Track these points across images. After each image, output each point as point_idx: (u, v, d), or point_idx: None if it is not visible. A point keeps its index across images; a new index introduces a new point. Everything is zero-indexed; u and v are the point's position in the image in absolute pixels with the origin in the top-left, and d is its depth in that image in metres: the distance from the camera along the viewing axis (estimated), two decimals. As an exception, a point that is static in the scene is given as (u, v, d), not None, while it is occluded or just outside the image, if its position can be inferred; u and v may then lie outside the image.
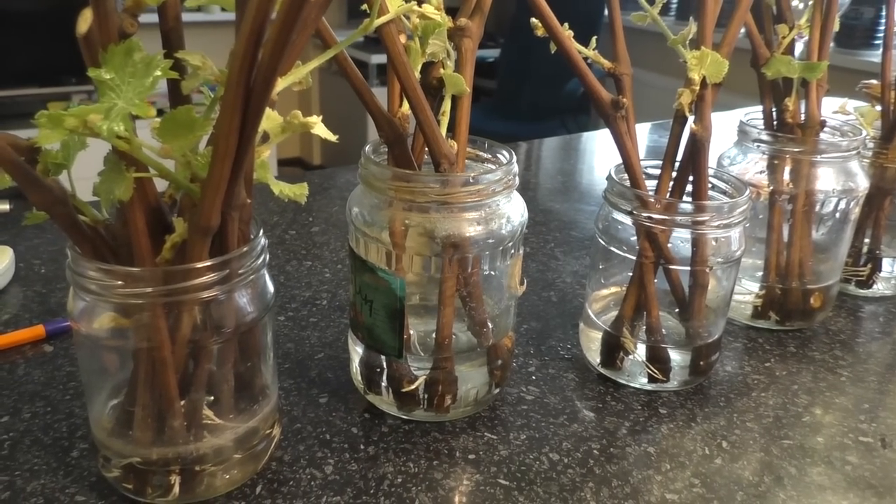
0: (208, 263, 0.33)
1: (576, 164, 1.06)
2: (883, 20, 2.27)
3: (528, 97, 2.87)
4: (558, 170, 1.02)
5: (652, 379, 0.49)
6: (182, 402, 0.36)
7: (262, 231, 0.36)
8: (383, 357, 0.44)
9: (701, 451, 0.44)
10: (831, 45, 0.57)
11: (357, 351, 0.46)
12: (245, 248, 0.35)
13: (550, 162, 1.06)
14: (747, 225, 0.47)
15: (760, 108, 0.58)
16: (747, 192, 0.46)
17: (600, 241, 0.50)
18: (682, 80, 0.47)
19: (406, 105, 0.43)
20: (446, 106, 0.43)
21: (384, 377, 0.45)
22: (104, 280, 0.32)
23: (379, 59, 2.93)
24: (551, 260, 0.69)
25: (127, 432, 0.36)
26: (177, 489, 0.37)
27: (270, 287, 0.38)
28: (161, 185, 0.34)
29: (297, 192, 0.35)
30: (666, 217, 0.45)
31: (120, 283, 0.32)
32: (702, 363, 0.49)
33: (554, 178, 0.97)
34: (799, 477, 0.42)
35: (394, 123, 0.42)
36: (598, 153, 1.11)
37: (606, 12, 0.49)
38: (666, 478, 0.41)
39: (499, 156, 0.45)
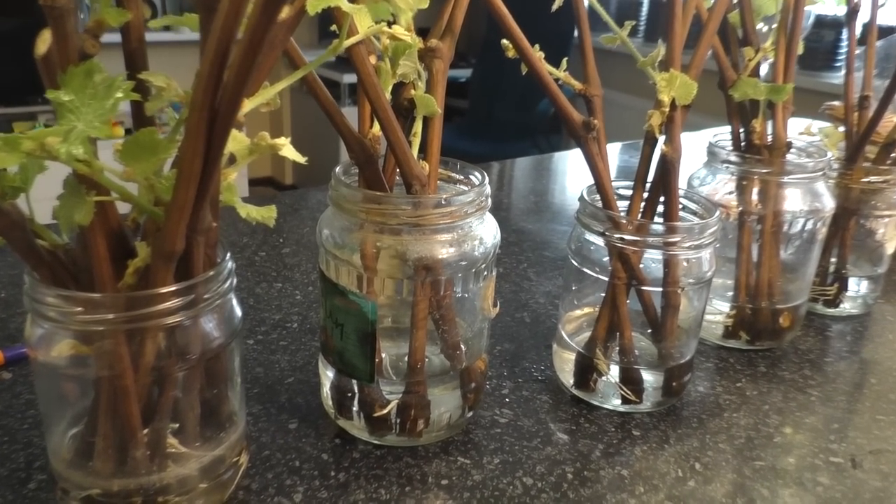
0: (172, 289, 0.32)
1: (548, 184, 1.06)
2: (843, 43, 2.34)
3: (500, 117, 2.90)
4: (531, 189, 1.02)
5: (625, 400, 0.49)
6: (145, 431, 0.35)
7: (229, 255, 0.36)
8: (354, 381, 0.44)
9: (674, 472, 0.43)
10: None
11: (328, 375, 0.45)
12: (211, 273, 0.34)
13: (523, 182, 1.07)
14: (717, 245, 0.48)
15: (728, 128, 0.59)
16: (717, 212, 0.47)
17: (573, 262, 0.50)
18: (652, 100, 0.47)
19: (377, 126, 0.42)
20: (417, 127, 0.43)
21: (355, 402, 0.44)
22: (63, 307, 0.31)
23: (350, 78, 2.93)
24: (524, 280, 0.68)
25: (87, 463, 0.35)
26: (139, 522, 0.35)
27: (238, 311, 0.37)
28: (124, 208, 0.33)
29: (265, 214, 0.34)
30: (638, 238, 0.45)
31: (80, 309, 0.31)
32: (674, 384, 0.49)
33: (526, 198, 0.97)
34: (771, 499, 0.42)
35: (364, 145, 0.42)
36: (571, 173, 1.11)
37: (577, 34, 0.50)
38: (640, 501, 0.41)
39: (471, 177, 0.45)
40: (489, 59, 2.90)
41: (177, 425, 0.36)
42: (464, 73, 3.09)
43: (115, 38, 0.33)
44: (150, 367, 0.33)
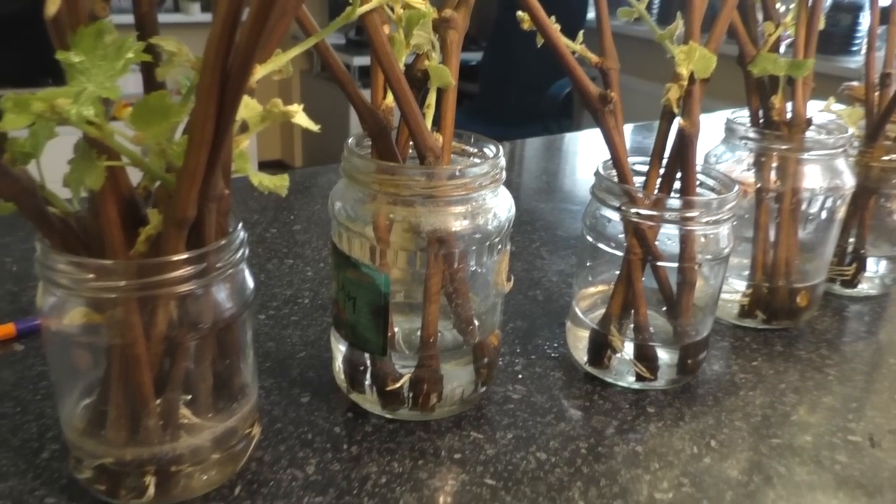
0: (184, 256, 0.32)
1: (559, 164, 1.05)
2: (860, 27, 2.30)
3: (510, 100, 2.88)
4: (542, 169, 1.02)
5: (639, 378, 0.48)
6: (158, 402, 0.34)
7: (241, 224, 0.35)
8: (367, 355, 0.43)
9: (689, 450, 0.43)
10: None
11: (340, 349, 0.45)
12: (223, 241, 0.33)
13: (534, 162, 1.06)
14: (735, 222, 0.47)
15: (743, 109, 0.58)
16: (736, 188, 0.46)
17: (587, 237, 0.49)
18: (663, 84, 0.46)
19: (390, 97, 0.42)
20: (431, 99, 0.42)
21: (368, 375, 0.44)
22: (75, 273, 0.31)
23: (361, 61, 2.91)
24: (537, 259, 0.68)
25: (99, 432, 0.35)
26: (152, 491, 0.35)
27: (250, 282, 0.37)
28: (135, 176, 0.33)
29: (278, 183, 0.34)
30: (654, 213, 0.45)
31: (91, 276, 0.31)
32: (689, 362, 0.48)
33: (538, 178, 0.96)
34: (788, 476, 0.41)
35: (377, 116, 0.41)
36: (581, 154, 1.10)
37: (592, 10, 0.49)
38: (654, 477, 0.41)
39: (485, 150, 0.45)
40: (500, 42, 2.88)
41: (189, 396, 0.36)
42: (474, 57, 3.07)
43: (126, 18, 0.32)
44: (162, 336, 0.33)
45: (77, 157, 0.29)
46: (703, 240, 0.46)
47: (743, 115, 0.58)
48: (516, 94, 2.85)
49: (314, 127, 0.34)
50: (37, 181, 0.31)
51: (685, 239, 0.46)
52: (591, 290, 0.52)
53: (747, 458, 0.42)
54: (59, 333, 0.34)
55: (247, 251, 0.35)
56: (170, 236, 0.31)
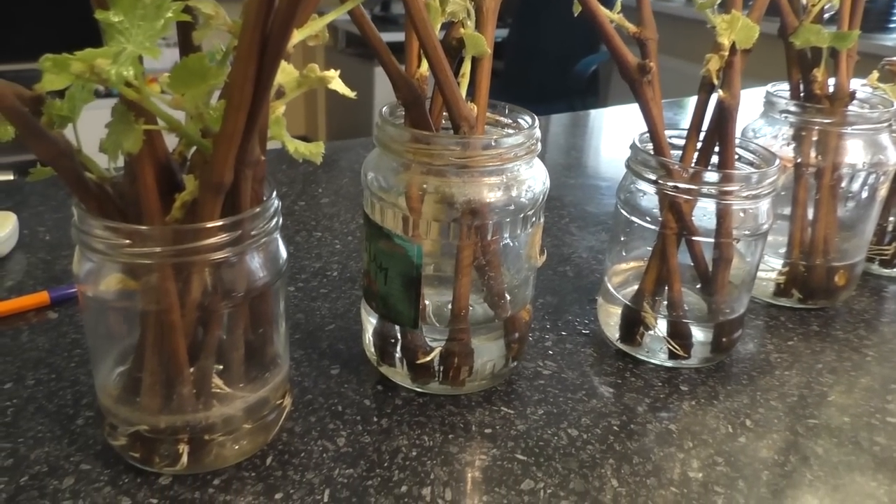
0: (220, 223, 0.31)
1: (588, 140, 1.04)
2: (898, 3, 2.22)
3: (535, 78, 2.84)
4: (570, 145, 1.00)
5: (672, 355, 0.47)
6: (191, 370, 0.34)
7: (275, 192, 0.35)
8: (397, 327, 0.43)
9: (724, 429, 0.42)
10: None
11: (370, 321, 0.45)
12: (258, 209, 0.33)
13: (562, 138, 1.04)
14: (775, 196, 0.46)
15: (782, 83, 0.56)
16: (777, 162, 0.45)
17: (622, 212, 0.48)
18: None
19: (424, 66, 0.41)
20: (466, 67, 0.41)
21: (398, 348, 0.43)
22: (111, 239, 0.31)
23: (387, 38, 2.89)
24: (566, 235, 0.67)
25: (134, 399, 0.35)
26: (185, 459, 0.35)
27: (283, 252, 0.37)
28: (170, 143, 0.32)
29: (314, 150, 0.33)
30: (692, 186, 0.44)
31: (128, 241, 0.31)
32: (724, 340, 0.48)
33: (566, 154, 0.95)
34: (826, 457, 0.40)
35: (412, 84, 0.40)
36: (608, 130, 1.09)
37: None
38: (688, 455, 0.40)
39: (519, 120, 0.44)
40: (526, 18, 2.84)
41: (221, 366, 0.36)
42: (500, 34, 3.04)
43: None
44: (197, 304, 0.33)
45: (115, 120, 0.29)
46: (741, 215, 0.45)
47: (782, 89, 0.56)
48: (542, 72, 2.82)
49: (350, 93, 0.33)
50: (74, 146, 0.31)
51: (723, 214, 0.45)
52: (624, 265, 0.51)
53: (783, 438, 0.42)
54: (95, 300, 0.34)
55: (280, 220, 0.35)
56: (206, 202, 0.31)
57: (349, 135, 3.14)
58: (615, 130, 1.07)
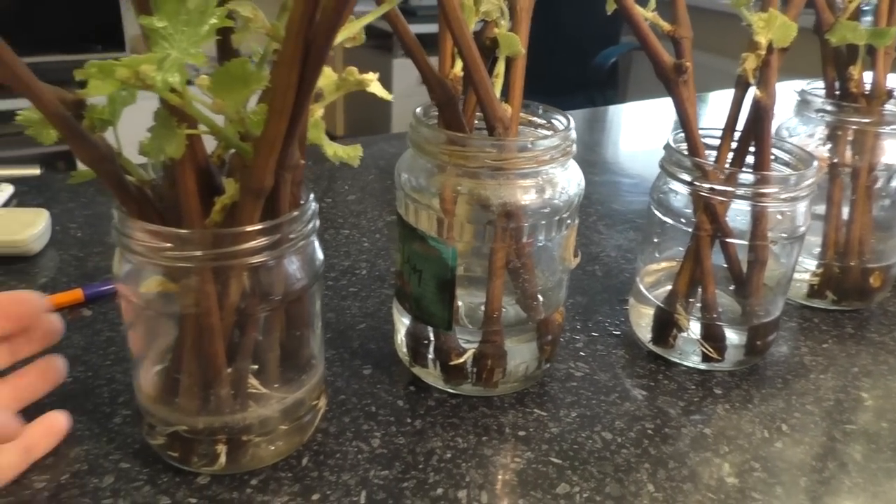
0: (259, 227, 0.31)
1: (608, 137, 1.03)
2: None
3: (554, 71, 2.82)
4: (594, 141, 0.99)
5: (706, 358, 0.47)
6: (228, 371, 0.35)
7: (312, 195, 0.35)
8: (430, 329, 0.43)
9: (760, 433, 0.42)
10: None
11: (403, 322, 0.45)
12: (296, 213, 0.33)
13: (584, 134, 1.04)
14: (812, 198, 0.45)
15: (817, 81, 0.55)
16: (815, 163, 0.44)
17: (655, 212, 0.48)
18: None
19: (458, 66, 0.41)
20: (500, 68, 0.41)
21: (431, 349, 0.43)
22: (152, 242, 0.31)
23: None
24: (594, 234, 0.66)
25: (172, 400, 0.35)
26: (223, 459, 0.36)
27: (320, 254, 0.37)
28: (208, 146, 0.32)
29: (351, 153, 0.33)
30: (728, 188, 0.43)
31: (169, 245, 0.31)
32: (758, 343, 0.47)
33: (591, 151, 0.94)
34: (864, 463, 0.40)
35: (446, 85, 0.40)
36: (628, 125, 1.08)
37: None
38: (724, 460, 0.40)
39: (553, 121, 0.43)
40: (545, 10, 2.81)
41: (256, 367, 0.36)
42: (518, 25, 3.01)
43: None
44: (235, 307, 0.33)
45: (157, 125, 0.29)
46: (778, 217, 0.44)
47: (817, 87, 0.55)
48: (561, 63, 2.80)
49: (388, 96, 0.33)
50: (114, 149, 0.31)
51: (759, 216, 0.44)
52: (656, 266, 0.51)
53: (821, 443, 0.41)
54: (135, 301, 0.34)
55: (317, 223, 0.35)
56: (246, 205, 0.31)
57: (367, 129, 3.14)
58: (636, 126, 1.06)
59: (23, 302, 0.38)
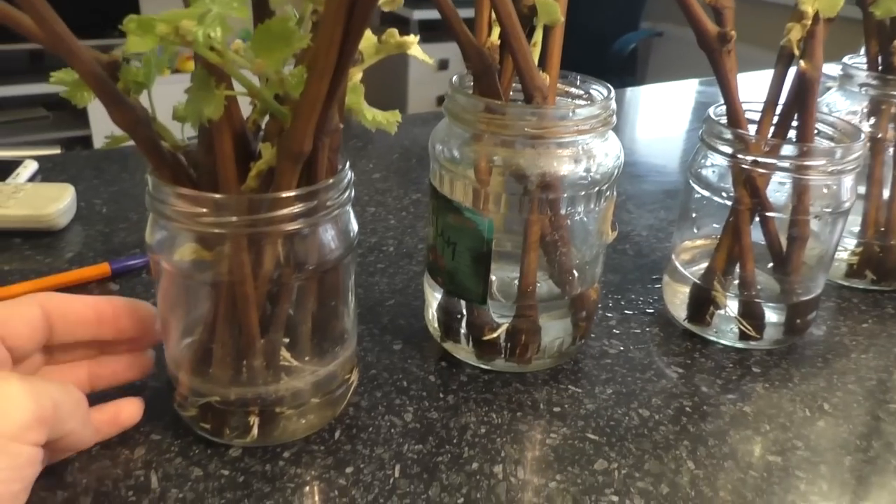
0: (295, 193, 0.31)
1: (631, 117, 1.01)
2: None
3: (573, 57, 2.79)
4: (618, 122, 0.98)
5: (743, 336, 0.46)
6: (261, 342, 0.34)
7: (349, 163, 0.34)
8: (463, 303, 0.42)
9: (801, 412, 0.41)
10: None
11: (435, 296, 0.44)
12: (332, 180, 0.32)
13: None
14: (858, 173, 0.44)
15: (858, 56, 0.54)
16: (862, 136, 0.43)
17: (694, 186, 0.46)
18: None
19: (495, 35, 0.40)
20: (538, 36, 0.40)
21: (463, 324, 0.43)
22: (187, 207, 0.30)
23: (421, 14, 2.86)
24: (623, 213, 0.65)
25: (205, 370, 0.35)
26: (255, 431, 0.35)
27: (354, 225, 0.36)
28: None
29: (390, 118, 0.32)
30: (771, 160, 0.42)
31: (204, 210, 0.30)
32: (798, 321, 0.46)
33: (616, 132, 0.93)
34: (911, 443, 0.39)
35: (483, 54, 0.39)
36: (646, 107, 1.05)
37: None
38: (766, 439, 0.39)
39: (592, 91, 0.42)
40: (564, -6, 2.78)
41: (288, 340, 0.35)
42: (537, 9, 2.98)
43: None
44: (269, 276, 0.32)
45: (195, 86, 0.28)
46: (824, 191, 0.43)
47: (859, 62, 0.54)
48: (579, 49, 2.76)
49: (429, 60, 0.32)
50: (149, 113, 0.30)
51: (802, 190, 0.43)
52: (692, 243, 0.49)
53: (864, 422, 0.40)
54: (168, 269, 0.33)
55: (353, 192, 0.34)
56: (284, 171, 0.30)
57: (384, 105, 3.11)
58: (655, 108, 1.05)
59: (138, 316, 0.36)
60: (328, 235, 0.34)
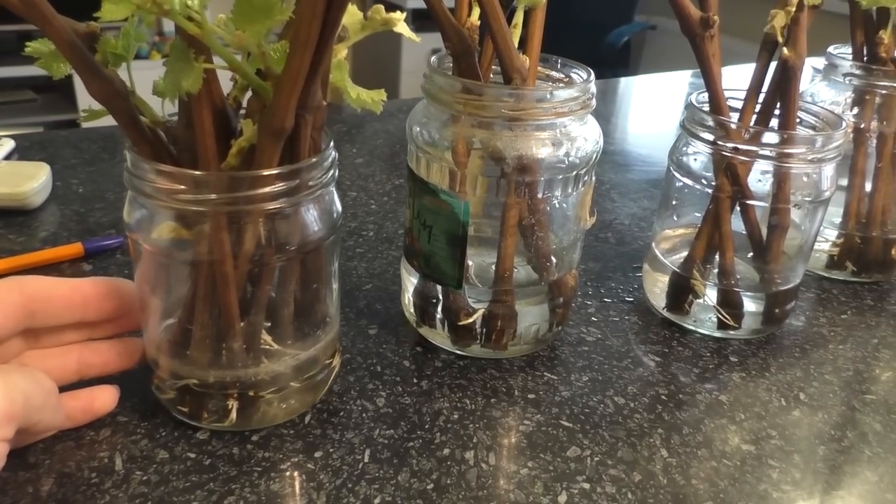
0: (277, 171, 0.30)
1: (620, 108, 1.01)
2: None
3: (567, 49, 2.77)
4: (605, 113, 0.98)
5: (722, 325, 0.46)
6: (241, 324, 0.33)
7: (332, 142, 0.33)
8: (439, 288, 0.42)
9: (777, 401, 0.41)
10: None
11: (411, 281, 0.44)
12: (316, 158, 0.32)
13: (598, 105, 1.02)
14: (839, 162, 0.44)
15: (844, 46, 0.54)
16: (843, 124, 0.42)
17: (674, 174, 0.46)
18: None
19: (474, 15, 0.39)
20: (518, 18, 0.39)
21: (439, 309, 0.42)
22: (166, 184, 0.30)
23: (415, 3, 2.84)
24: (607, 201, 0.65)
25: (184, 352, 0.34)
26: (234, 415, 0.35)
27: (338, 206, 0.35)
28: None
29: (375, 97, 0.32)
30: (752, 148, 0.42)
31: (183, 187, 0.29)
32: (777, 311, 0.46)
33: (603, 121, 0.92)
34: (885, 433, 0.39)
35: (462, 34, 0.38)
36: (638, 98, 1.05)
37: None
38: (741, 428, 0.39)
39: (573, 75, 0.42)
40: (559, -13, 2.78)
41: (269, 323, 0.35)
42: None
43: None
44: (250, 256, 0.32)
45: (172, 58, 0.27)
46: (804, 179, 0.43)
47: (844, 52, 0.54)
48: (572, 41, 2.76)
49: (416, 38, 0.32)
50: (128, 86, 0.29)
51: (782, 178, 0.43)
52: (673, 231, 0.49)
53: (839, 412, 0.40)
54: (146, 249, 0.33)
55: (336, 172, 0.34)
56: (265, 147, 0.29)
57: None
58: (646, 99, 1.05)
59: (121, 295, 0.36)
60: (311, 216, 0.34)
